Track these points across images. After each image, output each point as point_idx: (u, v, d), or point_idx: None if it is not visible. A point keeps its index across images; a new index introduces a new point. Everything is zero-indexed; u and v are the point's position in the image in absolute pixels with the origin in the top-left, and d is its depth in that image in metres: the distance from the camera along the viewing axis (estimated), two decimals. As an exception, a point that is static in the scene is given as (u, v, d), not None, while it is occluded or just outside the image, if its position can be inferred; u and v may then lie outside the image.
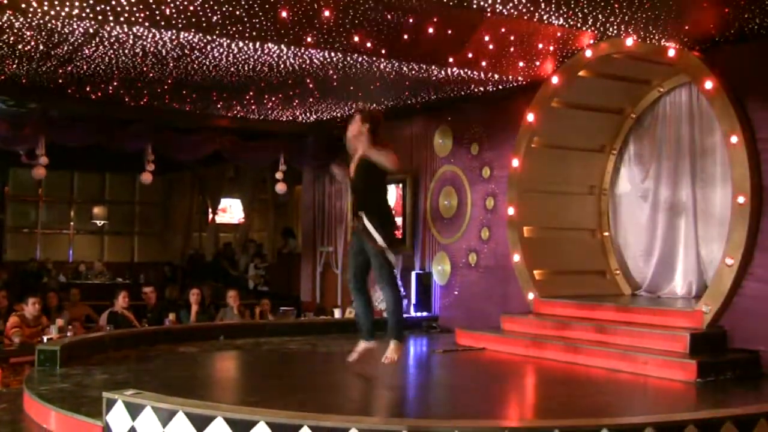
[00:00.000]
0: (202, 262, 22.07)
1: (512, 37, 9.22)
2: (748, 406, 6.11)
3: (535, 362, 9.31)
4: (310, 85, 11.27)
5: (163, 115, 13.31)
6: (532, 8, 7.96)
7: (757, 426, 5.52)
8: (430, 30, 8.87)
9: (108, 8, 7.82)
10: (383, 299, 8.14)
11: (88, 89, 11.65)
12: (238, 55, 9.75)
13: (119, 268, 21.96)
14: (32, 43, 9.30)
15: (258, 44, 9.23)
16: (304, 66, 10.23)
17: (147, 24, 8.32)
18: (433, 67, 10.21)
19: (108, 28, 8.68)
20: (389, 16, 8.42)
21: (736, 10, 7.92)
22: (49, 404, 6.30)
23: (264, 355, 9.91)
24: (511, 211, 11.31)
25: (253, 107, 13.01)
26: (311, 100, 12.38)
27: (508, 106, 11.56)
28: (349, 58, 9.81)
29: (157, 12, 7.95)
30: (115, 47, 9.44)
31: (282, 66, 10.21)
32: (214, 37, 8.91)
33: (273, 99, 12.28)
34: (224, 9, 7.97)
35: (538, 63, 10.21)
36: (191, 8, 7.91)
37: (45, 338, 10.50)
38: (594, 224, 11.80)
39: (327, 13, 8.23)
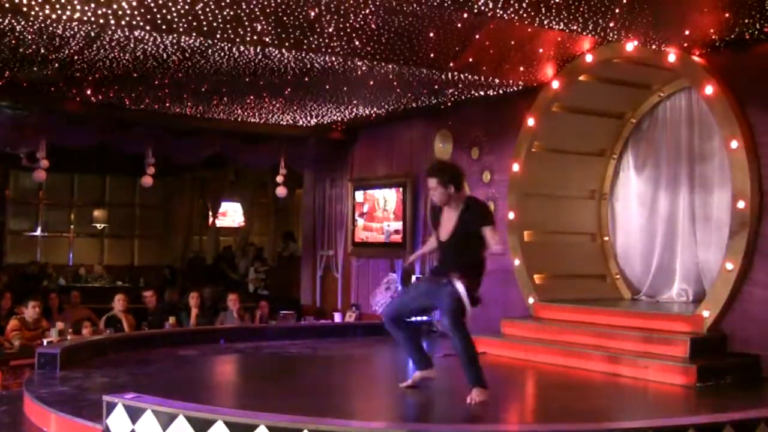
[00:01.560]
0: (203, 266, 22.05)
1: (513, 42, 9.23)
2: (748, 410, 6.11)
3: (535, 366, 9.32)
4: (311, 89, 11.27)
5: (163, 118, 13.30)
6: (532, 13, 7.97)
7: (757, 430, 5.53)
8: (431, 35, 8.88)
9: (109, 12, 7.82)
10: (453, 346, 7.50)
11: (89, 92, 11.66)
12: (239, 59, 9.76)
13: (119, 271, 21.94)
14: (33, 47, 9.31)
15: (259, 48, 9.23)
16: (304, 70, 10.24)
17: (148, 28, 8.33)
18: (434, 71, 10.22)
19: (109, 32, 8.69)
20: (390, 21, 8.43)
21: (736, 15, 7.93)
22: (50, 407, 6.31)
23: (264, 359, 9.92)
24: (511, 215, 11.30)
25: (253, 110, 13.02)
26: (312, 103, 12.38)
27: (509, 110, 11.56)
28: (350, 62, 9.82)
29: (158, 16, 7.96)
30: (116, 51, 9.45)
31: (283, 70, 10.22)
32: (215, 41, 8.92)
33: (274, 102, 12.28)
34: (225, 13, 7.98)
35: (538, 67, 10.21)
36: (192, 12, 7.92)
37: (45, 341, 10.50)
38: (594, 228, 11.80)
39: (327, 17, 8.24)
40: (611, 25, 8.27)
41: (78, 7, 7.74)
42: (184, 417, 5.23)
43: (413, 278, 7.90)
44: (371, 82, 10.86)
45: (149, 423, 5.34)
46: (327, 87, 11.14)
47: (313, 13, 8.12)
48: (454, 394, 8.00)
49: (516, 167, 11.26)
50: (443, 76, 10.50)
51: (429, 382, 7.73)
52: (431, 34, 8.89)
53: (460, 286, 7.20)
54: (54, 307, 13.97)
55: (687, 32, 8.47)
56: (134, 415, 5.42)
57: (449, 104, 12.27)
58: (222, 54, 9.53)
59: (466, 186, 7.59)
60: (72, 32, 8.70)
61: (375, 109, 12.78)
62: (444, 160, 8.19)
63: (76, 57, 9.71)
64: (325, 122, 14.10)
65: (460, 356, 7.35)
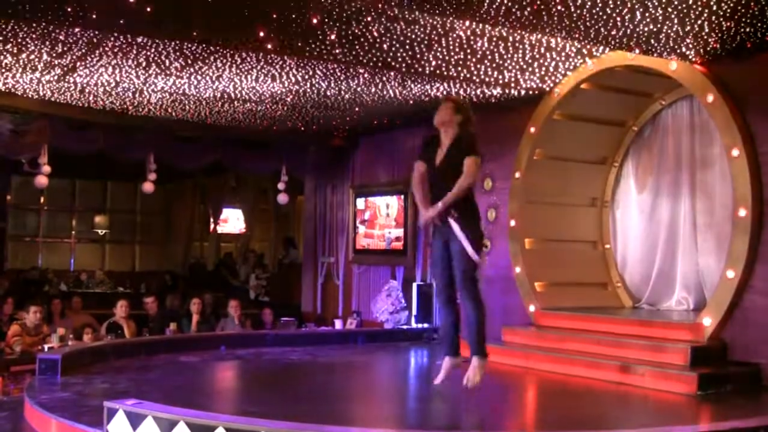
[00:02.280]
0: (204, 272, 22.06)
1: (514, 50, 9.24)
2: (748, 418, 6.11)
3: (536, 374, 9.31)
4: (313, 96, 11.30)
5: (165, 124, 13.33)
6: (534, 21, 7.98)
7: (758, 439, 5.53)
8: (433, 43, 8.89)
9: (111, 19, 7.84)
10: (463, 311, 7.48)
11: (90, 98, 11.69)
12: (241, 66, 9.78)
13: (120, 277, 21.96)
14: (36, 53, 9.34)
15: (261, 55, 9.26)
16: (306, 77, 10.26)
17: (150, 34, 8.35)
18: (436, 79, 10.24)
19: (111, 38, 8.71)
20: (392, 29, 8.44)
21: (737, 24, 7.94)
22: (50, 413, 6.31)
23: (265, 366, 9.91)
24: (512, 222, 11.31)
25: (255, 116, 13.03)
26: (313, 110, 12.40)
27: (510, 118, 11.57)
28: (351, 70, 9.84)
29: (161, 22, 7.98)
30: (118, 57, 9.47)
31: (285, 77, 10.25)
32: (218, 47, 8.95)
33: (275, 108, 12.30)
34: (227, 20, 8.00)
35: (540, 75, 10.22)
36: (194, 18, 7.94)
37: (46, 347, 10.51)
38: (595, 236, 11.80)
39: (330, 23, 8.26)
40: (613, 33, 8.28)
41: (80, 14, 7.75)
42: (185, 423, 5.23)
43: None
44: (373, 90, 10.88)
45: (150, 429, 5.34)
46: (329, 94, 11.16)
47: (315, 21, 8.14)
48: (454, 402, 8.00)
49: (517, 175, 11.26)
50: (445, 84, 10.52)
51: (456, 370, 7.65)
52: (433, 42, 8.90)
53: (461, 235, 7.18)
54: (57, 313, 13.99)
55: (688, 41, 8.48)
56: (135, 421, 5.42)
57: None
58: (224, 60, 9.55)
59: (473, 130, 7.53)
60: (74, 38, 8.72)
61: (377, 116, 12.79)
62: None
63: (78, 63, 9.74)
64: (327, 129, 14.11)
65: (469, 321, 7.35)
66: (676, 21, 7.88)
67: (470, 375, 7.30)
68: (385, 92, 11.03)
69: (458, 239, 7.21)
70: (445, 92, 10.93)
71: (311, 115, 12.86)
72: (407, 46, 8.97)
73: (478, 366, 7.34)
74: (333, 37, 8.57)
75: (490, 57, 9.43)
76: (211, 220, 23.22)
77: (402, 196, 13.70)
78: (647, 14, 7.72)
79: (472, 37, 8.80)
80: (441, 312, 7.78)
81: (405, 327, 12.85)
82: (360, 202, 14.64)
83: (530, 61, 9.63)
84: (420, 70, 9.74)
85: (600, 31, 8.24)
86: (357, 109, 12.20)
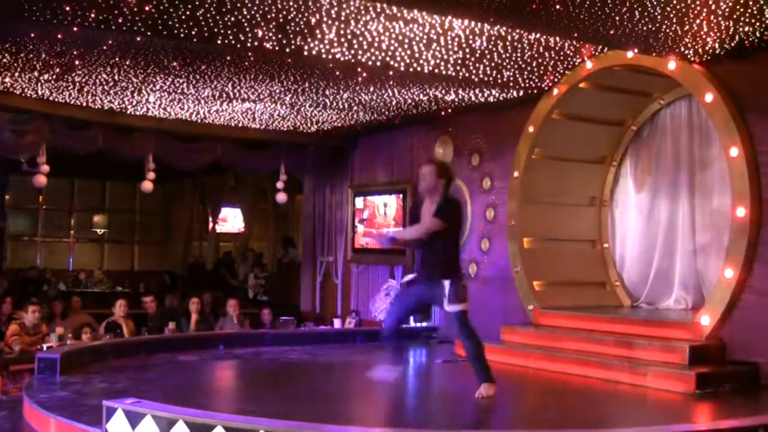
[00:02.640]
0: (202, 271, 22.07)
1: (513, 49, 9.25)
2: (746, 417, 6.11)
3: (534, 373, 9.32)
4: (312, 95, 11.30)
5: (164, 124, 13.34)
6: (533, 20, 7.99)
7: (756, 438, 5.53)
8: (432, 42, 8.90)
9: (110, 17, 7.84)
10: (465, 345, 7.72)
11: (89, 97, 11.69)
12: (239, 65, 9.78)
13: (119, 276, 21.97)
14: (34, 52, 9.34)
15: (259, 54, 9.26)
16: (305, 76, 10.27)
17: (149, 33, 8.35)
18: (434, 78, 10.25)
19: (110, 38, 8.71)
20: (391, 27, 8.44)
21: (736, 24, 7.94)
22: (49, 412, 6.31)
23: (263, 365, 9.92)
24: (511, 222, 11.32)
25: (253, 116, 13.04)
26: (312, 109, 12.40)
27: (509, 117, 11.58)
28: (350, 70, 9.84)
29: (159, 21, 7.98)
30: (117, 56, 9.47)
31: (284, 76, 10.25)
32: (216, 46, 8.95)
33: (274, 108, 12.30)
34: (226, 18, 8.00)
35: (538, 74, 10.23)
36: (193, 18, 7.94)
37: (45, 346, 10.51)
38: (594, 235, 11.80)
39: (329, 22, 8.26)
40: (611, 32, 8.28)
41: (79, 12, 7.75)
42: (184, 422, 5.24)
43: (404, 280, 8.03)
44: (371, 89, 10.89)
45: (149, 428, 5.34)
46: (327, 93, 11.16)
47: (314, 20, 8.14)
48: (453, 401, 8.02)
49: (516, 174, 11.27)
50: (443, 84, 10.53)
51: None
52: (432, 41, 8.90)
53: (452, 292, 7.47)
54: (57, 314, 14.01)
55: (687, 40, 8.49)
56: (134, 420, 5.43)
57: (450, 111, 12.29)
58: (223, 59, 9.56)
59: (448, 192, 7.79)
60: (74, 37, 8.72)
61: (375, 115, 12.80)
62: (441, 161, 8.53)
63: (76, 62, 9.74)
64: (326, 128, 14.13)
65: (470, 358, 7.63)
66: (674, 20, 7.88)
67: (482, 392, 7.45)
68: (383, 91, 11.03)
69: (452, 298, 7.50)
70: (442, 91, 10.94)
71: (310, 115, 12.86)
72: (406, 45, 8.98)
73: (487, 388, 7.48)
74: (332, 35, 8.58)
75: (488, 56, 9.43)
76: (210, 219, 23.22)
77: (401, 195, 13.70)
78: (646, 13, 7.72)
79: (470, 36, 8.81)
80: (388, 337, 8.06)
81: (404, 326, 12.83)
82: (359, 201, 14.64)
83: (529, 60, 9.63)
84: (419, 69, 9.75)
85: (599, 30, 8.24)
86: (356, 108, 12.20)
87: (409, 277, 7.95)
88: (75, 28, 8.29)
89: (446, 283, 7.47)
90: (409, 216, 8.09)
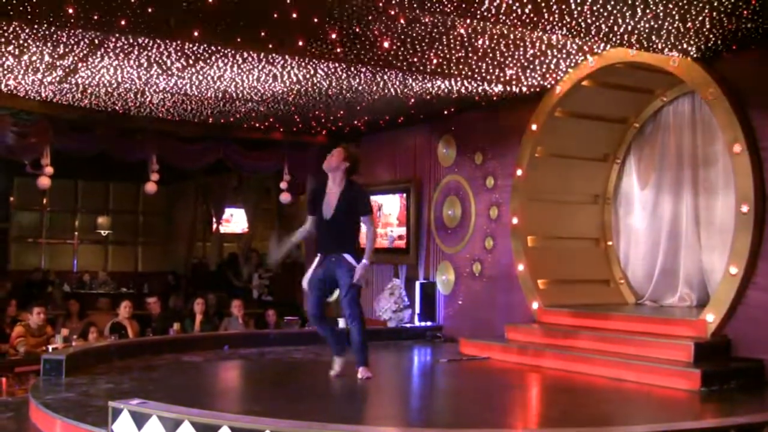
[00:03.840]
0: (206, 272, 22.07)
1: (515, 47, 9.24)
2: (752, 414, 6.11)
3: (539, 371, 9.32)
4: (315, 95, 11.31)
5: (167, 125, 13.35)
6: (535, 18, 7.99)
7: (762, 434, 5.52)
8: (435, 41, 8.90)
9: (114, 18, 7.85)
10: (352, 332, 8.32)
11: (92, 99, 11.70)
12: (242, 65, 9.79)
13: (123, 277, 21.98)
14: (38, 54, 9.35)
15: (262, 54, 9.26)
16: (308, 76, 10.27)
17: (151, 35, 8.36)
18: (437, 77, 10.25)
19: (113, 39, 8.72)
20: (393, 27, 8.44)
21: (738, 20, 7.94)
22: (55, 413, 6.32)
23: (268, 365, 9.93)
24: (515, 220, 11.32)
25: (257, 116, 13.04)
26: (315, 109, 12.41)
27: (512, 116, 11.58)
28: (352, 68, 9.85)
29: (162, 22, 7.99)
30: (120, 57, 9.48)
31: (286, 76, 10.25)
32: (219, 47, 8.96)
33: (277, 108, 12.31)
34: (228, 20, 8.01)
35: (541, 72, 10.22)
36: (195, 19, 7.95)
37: (50, 348, 10.53)
38: (598, 233, 11.81)
39: (332, 22, 8.26)
40: (614, 29, 8.28)
41: (82, 15, 7.76)
42: (190, 422, 5.24)
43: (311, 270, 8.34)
44: (374, 89, 10.89)
45: (155, 428, 5.35)
46: (330, 93, 11.17)
47: (316, 20, 8.14)
48: (458, 399, 8.02)
49: (519, 172, 11.28)
50: (447, 83, 10.53)
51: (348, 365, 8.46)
52: (434, 40, 8.90)
53: (353, 262, 8.13)
54: (74, 313, 14.06)
55: (689, 37, 8.48)
56: (140, 420, 5.43)
57: (452, 110, 12.29)
58: (226, 60, 9.57)
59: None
60: (76, 39, 8.73)
61: (379, 114, 12.80)
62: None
63: (80, 64, 9.75)
64: (329, 128, 14.13)
65: (354, 340, 8.29)
66: (677, 17, 7.88)
67: (363, 375, 8.29)
68: (386, 91, 11.04)
69: (347, 270, 8.14)
70: (445, 90, 10.94)
71: (313, 115, 12.86)
72: (408, 45, 8.98)
73: (366, 370, 8.34)
74: (334, 36, 8.58)
75: (491, 54, 9.43)
76: (214, 219, 23.22)
77: (404, 195, 13.71)
78: (648, 11, 7.72)
79: (473, 35, 8.80)
80: (320, 330, 8.63)
81: (408, 325, 12.87)
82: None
83: (531, 58, 9.63)
84: (421, 68, 9.75)
85: (601, 27, 8.24)
86: (358, 108, 12.20)
87: (314, 265, 8.41)
88: (78, 30, 8.31)
89: (350, 258, 8.11)
90: (308, 204, 8.59)
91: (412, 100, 11.65)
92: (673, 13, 7.76)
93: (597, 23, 8.10)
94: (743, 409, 7.30)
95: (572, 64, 10.15)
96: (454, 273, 12.71)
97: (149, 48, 9.08)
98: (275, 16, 7.96)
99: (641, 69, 9.90)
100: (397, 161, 14.15)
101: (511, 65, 9.82)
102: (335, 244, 8.22)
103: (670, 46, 8.82)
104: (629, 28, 8.20)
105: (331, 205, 8.21)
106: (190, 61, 9.62)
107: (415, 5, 7.71)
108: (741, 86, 8.89)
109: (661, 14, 7.80)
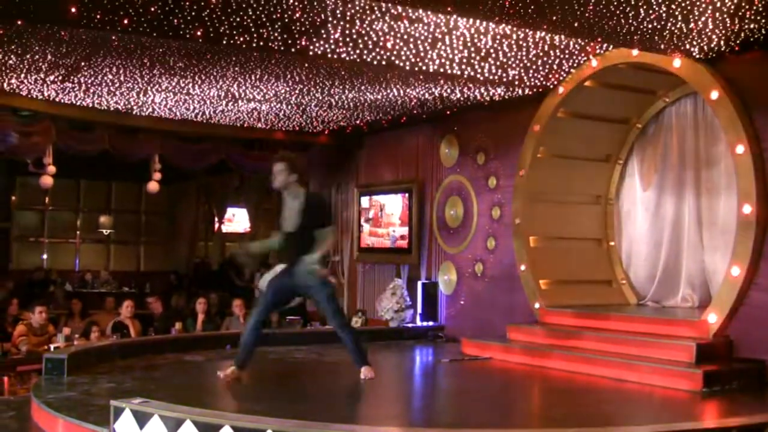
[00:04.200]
0: (208, 271, 22.06)
1: (518, 48, 9.24)
2: (754, 415, 6.10)
3: (541, 372, 9.31)
4: (317, 95, 11.31)
5: (169, 125, 13.36)
6: (538, 18, 7.98)
7: (764, 435, 5.52)
8: (437, 41, 8.90)
9: (116, 18, 7.85)
10: (343, 341, 8.41)
11: (95, 98, 11.71)
12: (245, 65, 9.79)
13: (125, 277, 21.97)
14: (40, 53, 9.35)
15: (265, 54, 9.26)
16: (310, 76, 10.27)
17: (155, 34, 8.35)
18: (440, 78, 10.24)
19: (115, 38, 8.72)
20: (396, 27, 8.44)
21: (741, 21, 7.93)
22: (57, 413, 6.33)
23: (270, 365, 9.92)
24: (517, 220, 11.32)
25: (259, 116, 13.05)
26: (318, 109, 12.41)
27: (514, 116, 11.58)
28: (355, 68, 9.84)
29: (165, 22, 7.99)
30: (122, 57, 9.49)
31: (289, 76, 10.26)
32: (222, 46, 8.95)
33: (280, 107, 12.31)
34: (231, 19, 8.01)
35: (543, 73, 10.22)
36: (199, 18, 7.94)
37: (52, 347, 10.53)
38: (600, 234, 11.80)
39: (334, 22, 8.26)
40: (617, 30, 8.28)
41: (84, 14, 7.76)
42: (191, 421, 5.24)
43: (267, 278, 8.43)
44: (377, 88, 10.89)
45: (156, 428, 5.35)
46: (333, 93, 11.17)
47: (319, 19, 8.14)
48: (460, 400, 8.02)
49: (521, 173, 11.27)
50: (449, 83, 10.53)
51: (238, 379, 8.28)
52: (437, 41, 8.90)
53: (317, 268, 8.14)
54: (77, 312, 14.07)
55: (692, 38, 8.48)
56: (141, 420, 5.44)
57: (455, 110, 12.28)
58: (228, 60, 9.56)
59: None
60: (79, 38, 8.74)
61: (381, 115, 12.80)
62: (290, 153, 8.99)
63: (82, 63, 9.75)
64: (331, 128, 14.13)
65: (349, 346, 8.39)
66: (679, 18, 7.88)
67: (366, 374, 8.30)
68: (389, 91, 11.04)
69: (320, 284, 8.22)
70: (448, 90, 10.94)
71: (316, 114, 12.87)
72: (411, 45, 8.98)
73: (368, 370, 8.36)
74: (337, 35, 8.58)
75: (494, 55, 9.43)
76: (216, 219, 23.22)
77: (407, 195, 13.71)
78: (651, 11, 7.72)
79: (476, 35, 8.80)
80: (251, 333, 8.39)
81: (410, 325, 12.86)
82: (364, 201, 14.65)
83: (534, 59, 9.63)
84: (424, 68, 9.75)
85: (604, 28, 8.24)
86: (361, 108, 12.20)
87: (270, 275, 8.55)
88: (81, 30, 8.31)
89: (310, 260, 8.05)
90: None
91: (415, 101, 11.65)
92: (676, 13, 7.76)
93: (600, 24, 8.10)
94: (745, 409, 7.29)
95: (575, 65, 10.15)
96: (456, 273, 12.70)
97: (152, 47, 9.08)
98: (278, 15, 7.97)
99: (644, 70, 9.90)
100: (399, 161, 14.15)
101: (513, 66, 9.82)
102: (297, 254, 8.16)
103: (672, 47, 8.81)
104: (632, 28, 8.19)
105: (292, 219, 8.22)
106: (193, 61, 9.62)
107: (418, 5, 7.72)
108: (744, 87, 8.89)
109: (664, 15, 7.80)
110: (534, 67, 9.93)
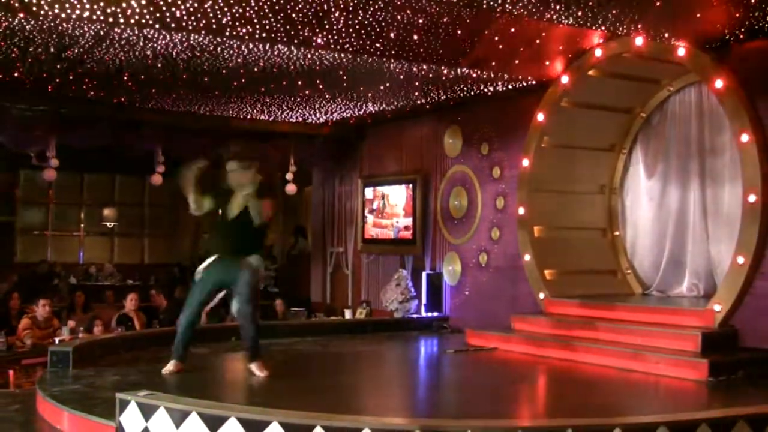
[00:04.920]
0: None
1: (522, 37, 9.21)
2: (760, 405, 6.10)
3: (546, 362, 9.31)
4: (320, 86, 11.28)
5: (173, 117, 13.34)
6: (542, 8, 7.95)
7: (771, 425, 5.51)
8: (440, 31, 8.87)
9: (118, 10, 7.83)
10: (245, 331, 8.19)
11: (98, 91, 11.69)
12: (248, 56, 9.76)
13: (129, 269, 21.96)
14: (43, 46, 9.34)
15: (268, 45, 9.24)
16: (314, 67, 10.24)
17: (157, 26, 8.34)
18: (443, 67, 10.21)
19: (118, 31, 8.70)
20: (399, 17, 8.42)
21: (746, 9, 7.90)
22: (62, 405, 6.33)
23: (275, 356, 9.91)
24: (521, 210, 11.31)
25: (262, 108, 13.03)
26: (321, 101, 12.38)
27: (518, 106, 11.56)
28: (359, 59, 9.82)
29: (167, 14, 7.97)
30: (125, 49, 9.47)
31: (292, 67, 10.23)
32: (224, 38, 8.93)
33: (283, 100, 12.29)
34: (234, 10, 7.99)
35: (547, 62, 10.19)
36: (201, 10, 7.92)
37: (57, 340, 10.54)
38: (604, 224, 11.79)
39: (337, 14, 8.23)
40: (621, 19, 8.25)
41: (87, 6, 7.74)
42: (197, 414, 5.24)
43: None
44: (381, 79, 10.86)
45: (162, 420, 5.35)
46: (336, 84, 11.14)
47: (322, 10, 8.12)
48: (465, 390, 8.02)
49: (526, 163, 11.26)
50: (453, 73, 10.50)
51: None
52: (440, 30, 8.88)
53: (256, 266, 7.95)
54: (79, 305, 14.07)
55: (697, 26, 8.45)
56: (147, 412, 5.43)
57: (459, 100, 12.25)
58: (231, 51, 9.54)
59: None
60: (81, 31, 8.72)
61: (385, 106, 12.78)
62: (246, 147, 8.79)
63: (85, 56, 9.73)
64: (335, 119, 14.11)
65: (248, 338, 8.14)
66: (684, 6, 7.85)
67: (258, 372, 8.11)
68: (392, 81, 11.00)
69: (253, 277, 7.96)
70: (452, 81, 10.91)
71: (319, 106, 12.84)
72: (414, 35, 8.95)
73: (260, 365, 8.14)
74: (340, 25, 8.56)
75: (497, 44, 9.39)
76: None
77: (410, 186, 13.69)
78: (655, 0, 7.69)
79: (479, 25, 8.77)
80: (186, 330, 8.32)
81: (414, 316, 12.86)
82: (368, 192, 14.64)
83: (538, 48, 9.59)
84: (427, 58, 9.72)
85: (608, 17, 8.21)
86: (365, 98, 12.18)
87: (203, 267, 8.18)
88: (83, 23, 8.29)
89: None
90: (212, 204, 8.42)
91: (418, 91, 11.62)
92: (681, 2, 7.72)
93: (604, 12, 8.07)
94: (751, 399, 7.28)
95: (579, 54, 10.11)
96: (460, 264, 12.69)
97: (155, 40, 9.06)
98: (281, 3, 7.95)
99: (648, 59, 9.88)
100: (403, 152, 14.14)
101: (517, 55, 9.78)
102: (237, 250, 8.07)
103: (677, 36, 8.78)
104: (636, 17, 8.16)
105: (234, 211, 8.11)
106: (196, 53, 9.60)
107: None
108: (748, 76, 8.87)
109: (669, 3, 7.76)
110: (538, 56, 9.90)
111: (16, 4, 7.70)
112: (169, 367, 8.06)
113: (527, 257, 11.20)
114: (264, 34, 8.58)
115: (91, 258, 22.43)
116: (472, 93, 11.72)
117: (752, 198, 8.65)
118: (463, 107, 12.57)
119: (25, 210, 22.06)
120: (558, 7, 7.92)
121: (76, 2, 7.61)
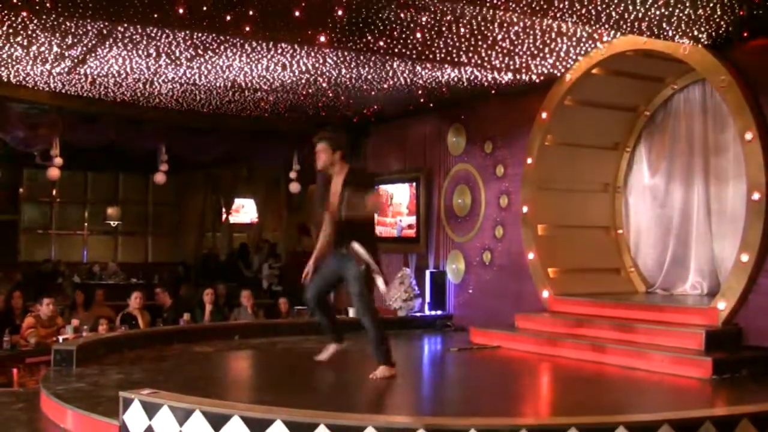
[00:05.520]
0: (216, 262, 22.08)
1: (524, 35, 9.20)
2: (764, 403, 6.08)
3: (550, 360, 9.30)
4: (324, 84, 11.28)
5: (176, 116, 13.34)
6: (545, 6, 7.95)
7: (775, 423, 5.50)
8: (443, 29, 8.86)
9: (122, 8, 7.84)
10: (364, 325, 7.98)
11: (101, 89, 11.70)
12: (251, 55, 9.76)
13: (133, 268, 21.98)
14: (46, 44, 9.34)
15: (271, 44, 9.24)
16: (317, 65, 10.24)
17: (160, 24, 8.34)
18: (446, 66, 10.21)
19: (121, 29, 8.71)
20: (402, 15, 8.41)
21: (750, 7, 7.89)
22: (66, 404, 6.32)
23: (279, 355, 9.93)
24: (525, 209, 11.30)
25: (266, 107, 13.02)
26: (324, 99, 12.38)
27: (522, 104, 11.54)
28: (362, 57, 9.82)
29: (170, 12, 7.97)
30: (128, 48, 9.47)
31: (295, 65, 10.23)
32: (228, 36, 8.94)
33: (287, 97, 12.29)
34: (237, 9, 7.99)
35: (551, 61, 10.18)
36: (204, 8, 7.93)
37: (61, 338, 10.55)
38: (608, 222, 11.77)
39: (340, 12, 8.22)
40: (624, 17, 8.24)
41: (90, 5, 7.75)
42: (201, 412, 5.24)
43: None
44: (383, 77, 10.86)
45: (166, 418, 5.35)
46: (339, 82, 11.14)
47: (325, 9, 8.12)
48: (469, 388, 8.01)
49: (529, 161, 11.25)
50: (456, 71, 10.49)
51: (342, 353, 8.39)
52: (443, 29, 8.87)
53: (365, 257, 7.75)
54: (80, 304, 14.09)
55: (700, 24, 8.43)
56: (151, 410, 5.44)
57: (462, 98, 12.24)
58: (234, 50, 9.55)
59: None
60: (85, 29, 8.72)
61: (388, 104, 12.76)
62: (331, 127, 8.66)
63: (88, 54, 9.74)
64: (338, 118, 14.10)
65: (369, 336, 7.89)
66: (687, 4, 7.83)
67: (378, 374, 7.75)
68: (395, 80, 11.00)
69: (357, 267, 7.80)
70: (455, 79, 10.90)
71: (322, 104, 12.84)
72: (417, 33, 8.95)
73: (384, 371, 7.77)
74: (343, 24, 8.56)
75: (501, 43, 9.39)
76: (223, 210, 23.22)
77: (414, 184, 13.69)
78: (659, -2, 7.69)
79: (482, 23, 8.76)
80: (317, 316, 8.49)
81: (418, 314, 12.86)
82: (372, 191, 14.61)
83: (541, 46, 9.59)
84: (430, 56, 9.71)
85: (611, 15, 8.20)
86: (368, 97, 12.17)
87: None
88: (87, 20, 8.30)
89: (357, 246, 7.73)
90: (318, 199, 8.29)
91: (421, 90, 11.61)
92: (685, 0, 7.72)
93: (607, 10, 8.06)
94: (755, 397, 7.26)
95: (582, 52, 10.11)
96: (464, 262, 12.69)
97: (158, 38, 9.07)
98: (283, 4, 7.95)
99: (652, 57, 9.85)
100: (406, 150, 14.13)
101: (520, 53, 9.78)
102: (345, 240, 7.90)
103: (680, 33, 8.77)
104: (640, 15, 8.15)
105: (335, 203, 7.95)
106: (199, 51, 9.60)
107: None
108: (752, 73, 8.85)
109: (672, 1, 7.75)
110: (541, 54, 9.89)
111: (19, 2, 7.71)
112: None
113: (531, 255, 11.19)
114: (267, 33, 8.58)
115: (94, 257, 22.48)
116: (476, 91, 11.70)
117: (756, 196, 8.63)
118: (466, 105, 12.56)
119: (29, 209, 22.12)
120: (561, 5, 7.92)
121: (80, 1, 7.61)
